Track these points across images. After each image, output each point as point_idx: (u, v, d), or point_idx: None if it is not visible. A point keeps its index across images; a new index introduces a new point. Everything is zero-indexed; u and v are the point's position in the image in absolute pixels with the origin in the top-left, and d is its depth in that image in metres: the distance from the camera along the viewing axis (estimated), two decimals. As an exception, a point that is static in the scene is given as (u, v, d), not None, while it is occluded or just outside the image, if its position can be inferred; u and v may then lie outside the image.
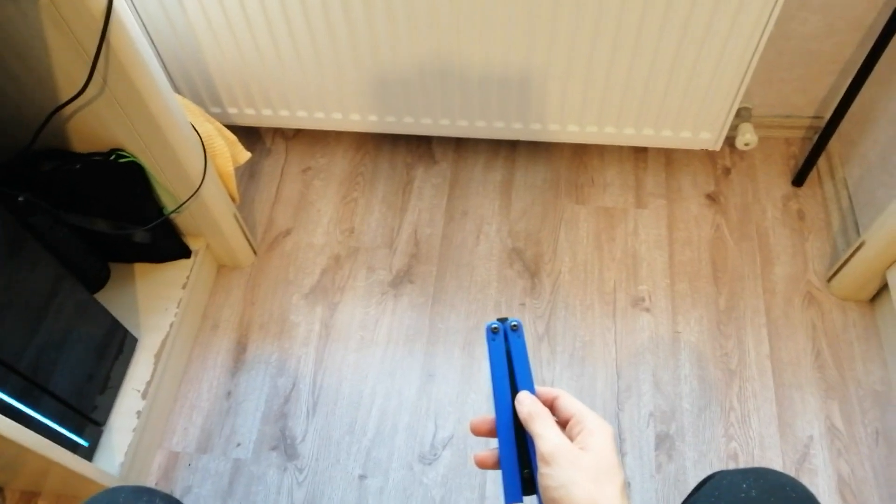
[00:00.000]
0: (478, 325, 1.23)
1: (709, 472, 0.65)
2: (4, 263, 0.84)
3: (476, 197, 1.38)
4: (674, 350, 1.19)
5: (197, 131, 1.08)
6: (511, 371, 0.50)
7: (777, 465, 1.07)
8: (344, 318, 1.25)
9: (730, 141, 1.38)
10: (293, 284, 1.30)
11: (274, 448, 1.13)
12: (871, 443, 1.08)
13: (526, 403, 0.48)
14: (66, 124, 0.99)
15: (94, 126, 0.99)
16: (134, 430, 1.06)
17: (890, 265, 1.09)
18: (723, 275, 1.26)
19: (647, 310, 1.23)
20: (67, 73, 0.89)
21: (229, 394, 1.19)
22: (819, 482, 1.05)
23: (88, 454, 1.01)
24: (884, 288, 1.14)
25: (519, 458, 0.48)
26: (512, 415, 0.49)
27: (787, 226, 1.31)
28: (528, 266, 1.29)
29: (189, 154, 1.05)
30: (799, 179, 1.35)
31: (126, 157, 1.03)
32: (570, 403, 0.48)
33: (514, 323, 0.51)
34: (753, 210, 1.33)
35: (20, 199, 0.98)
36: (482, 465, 0.50)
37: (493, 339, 0.51)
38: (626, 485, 1.07)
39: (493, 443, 0.50)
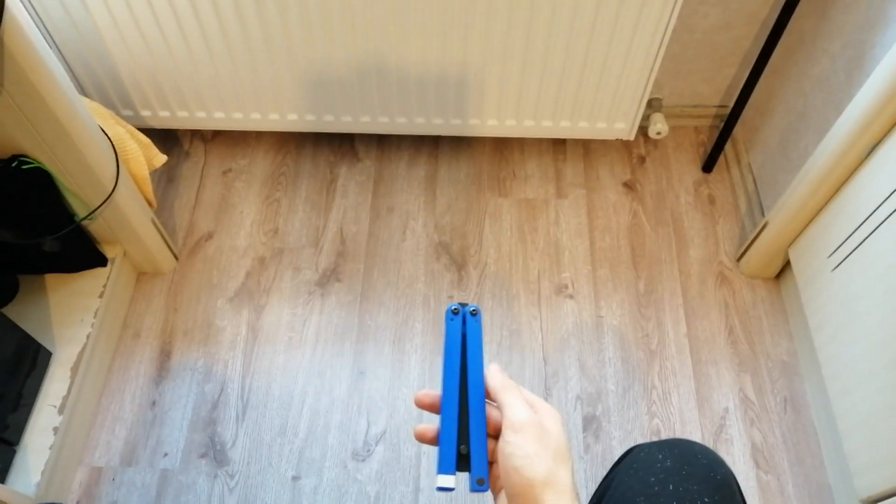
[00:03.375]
0: (406, 320, 1.24)
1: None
2: None
3: (401, 193, 1.39)
4: (598, 334, 1.23)
5: (107, 135, 1.04)
6: (464, 353, 0.52)
7: (696, 437, 1.13)
8: (271, 319, 1.24)
9: (643, 131, 1.44)
10: (217, 288, 1.27)
11: (203, 455, 1.11)
12: (781, 410, 1.14)
13: (497, 375, 0.50)
14: (-38, 130, 0.94)
15: (-6, 131, 0.94)
16: (51, 447, 1.02)
17: (791, 243, 1.16)
18: (641, 259, 1.31)
19: (571, 296, 1.27)
20: (-40, 75, 0.84)
21: (154, 403, 1.15)
22: (734, 450, 1.11)
23: (0, 477, 0.97)
24: (787, 265, 1.21)
25: (459, 435, 0.49)
26: (458, 392, 0.51)
27: (699, 210, 1.37)
28: (455, 259, 1.31)
29: (99, 158, 1.01)
30: (708, 166, 1.41)
31: (30, 163, 0.99)
32: (520, 387, 0.50)
33: (474, 308, 0.53)
34: (668, 196, 1.39)
35: (-86, 210, 0.92)
36: (421, 437, 0.50)
37: (452, 320, 0.53)
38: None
39: (429, 418, 0.51)
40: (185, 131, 1.46)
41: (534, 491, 0.44)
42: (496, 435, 0.48)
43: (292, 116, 1.30)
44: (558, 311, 1.25)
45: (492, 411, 0.50)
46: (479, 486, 0.48)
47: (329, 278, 1.28)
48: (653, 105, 1.37)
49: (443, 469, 0.48)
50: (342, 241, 1.33)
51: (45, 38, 1.09)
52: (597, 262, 1.31)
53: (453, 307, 0.53)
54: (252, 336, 1.22)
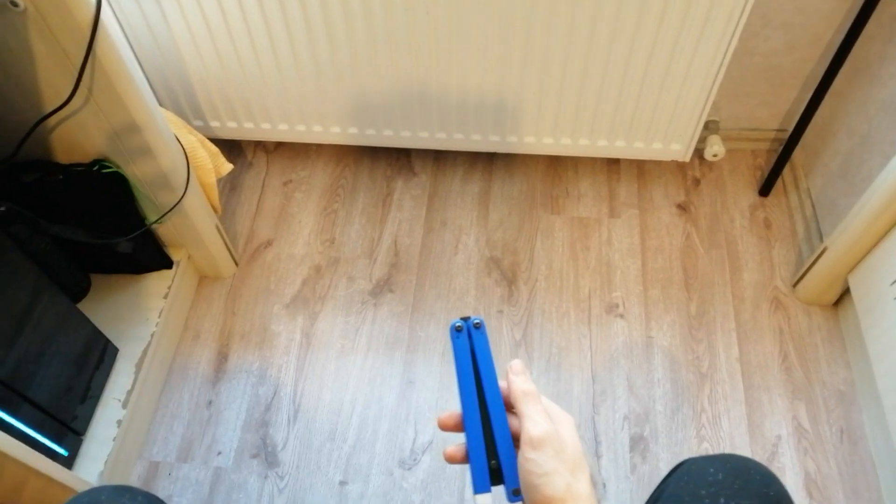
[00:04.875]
0: (457, 332, 1.25)
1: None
2: (-12, 271, 0.85)
3: (454, 208, 1.41)
4: (647, 354, 1.22)
5: (180, 143, 1.09)
6: (476, 367, 0.52)
7: (747, 464, 1.11)
8: (325, 327, 1.27)
9: (699, 153, 1.43)
10: (274, 294, 1.31)
11: (255, 456, 1.14)
12: (836, 441, 1.11)
13: (520, 380, 0.50)
14: (50, 135, 1.00)
15: (78, 136, 1.00)
16: (114, 439, 1.07)
17: (851, 270, 1.14)
18: (694, 281, 1.30)
19: (621, 316, 1.27)
20: (52, 83, 0.90)
21: (210, 403, 1.19)
22: (787, 480, 1.08)
23: (68, 463, 1.02)
24: (846, 292, 1.19)
25: (487, 450, 0.50)
26: (478, 408, 0.51)
27: (754, 234, 1.36)
28: (506, 274, 1.32)
29: (172, 166, 1.06)
30: (765, 189, 1.40)
31: (109, 167, 1.05)
32: (519, 399, 0.49)
33: (477, 321, 0.53)
34: (722, 219, 1.38)
35: (1, 209, 0.99)
36: (451, 459, 0.51)
37: (458, 338, 0.53)
38: (599, 483, 1.09)
39: (463, 438, 0.52)
40: (249, 142, 1.52)
41: None
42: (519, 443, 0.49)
43: (352, 130, 1.34)
44: (608, 329, 1.25)
45: (512, 420, 0.50)
46: (515, 496, 0.48)
47: (382, 289, 1.31)
48: (710, 127, 1.37)
49: (479, 489, 0.49)
50: (396, 253, 1.36)
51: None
52: (648, 282, 1.30)
53: (456, 324, 0.53)
54: (306, 342, 1.25)
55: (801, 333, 1.23)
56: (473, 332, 0.53)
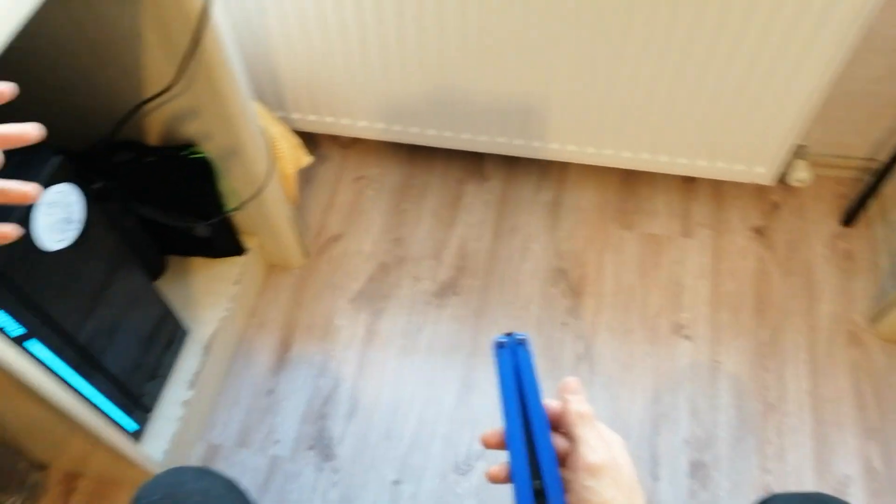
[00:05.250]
0: (519, 341, 1.24)
1: (743, 503, 0.65)
2: (77, 242, 0.87)
3: (524, 215, 1.41)
4: (713, 379, 1.19)
5: (266, 133, 1.11)
6: (520, 385, 0.50)
7: (814, 503, 1.07)
8: (387, 324, 1.27)
9: (782, 177, 1.39)
10: (340, 289, 1.32)
11: (311, 448, 1.15)
12: (913, 488, 1.07)
13: (576, 401, 0.48)
14: (147, 118, 1.03)
15: (172, 121, 1.03)
16: (179, 419, 1.09)
17: (940, 311, 1.09)
18: (766, 308, 1.26)
19: (688, 337, 1.24)
20: (157, 69, 0.93)
21: (271, 391, 1.21)
22: (857, 524, 1.04)
23: (135, 438, 1.04)
24: (932, 333, 1.14)
25: (530, 470, 0.48)
26: (522, 426, 0.49)
27: (833, 264, 1.31)
28: (572, 286, 1.30)
29: (257, 155, 1.08)
30: (849, 219, 1.35)
31: (198, 153, 1.07)
32: (574, 423, 0.48)
33: (521, 337, 0.51)
34: (801, 247, 1.34)
35: (95, 185, 1.02)
36: (494, 479, 0.49)
37: (501, 353, 0.51)
38: (661, 511, 1.07)
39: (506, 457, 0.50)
40: (325, 136, 1.54)
41: None
42: (564, 463, 0.48)
43: (431, 132, 1.35)
44: (674, 350, 1.22)
45: (557, 440, 0.49)
46: None
47: (447, 291, 1.31)
48: (797, 152, 1.33)
49: None
50: (462, 257, 1.36)
51: (219, 40, 1.19)
52: (718, 305, 1.27)
53: (500, 340, 0.51)
54: (368, 338, 1.26)
55: (879, 372, 1.18)
56: (517, 348, 0.51)
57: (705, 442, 1.13)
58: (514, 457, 0.48)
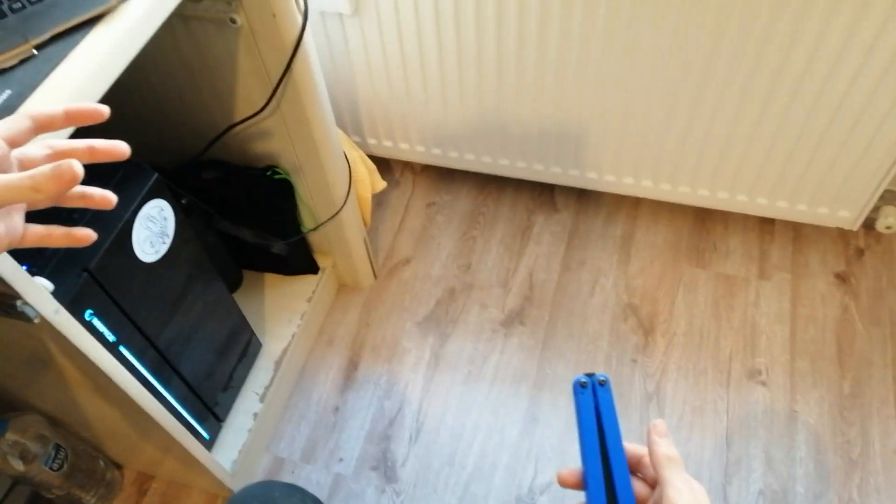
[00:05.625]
0: (585, 375, 1.23)
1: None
2: (167, 253, 0.91)
3: (594, 249, 1.39)
4: (789, 429, 1.14)
5: (346, 158, 1.14)
6: (600, 426, 0.50)
7: (897, 569, 1.01)
8: (454, 349, 1.28)
9: (867, 222, 1.34)
10: (408, 311, 1.34)
11: (374, 468, 1.16)
12: None
13: (663, 444, 0.47)
14: (234, 139, 1.08)
15: (259, 143, 1.07)
16: (249, 430, 1.12)
17: None
18: (849, 358, 1.21)
19: (764, 383, 1.19)
20: (248, 94, 0.97)
21: (337, 409, 1.23)
22: None
23: (208, 446, 1.07)
24: None
25: None
26: (601, 468, 0.49)
27: (923, 316, 1.25)
28: (643, 323, 1.28)
29: (337, 178, 1.11)
30: (940, 270, 1.28)
31: (280, 174, 1.11)
32: (660, 466, 0.47)
33: (603, 378, 0.51)
34: (888, 296, 1.28)
35: (183, 201, 1.07)
36: None
37: (582, 394, 0.51)
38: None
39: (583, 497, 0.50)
40: (398, 161, 1.57)
41: None
42: None
43: (504, 161, 1.36)
44: (748, 396, 1.18)
45: (636, 485, 0.48)
46: None
47: (513, 320, 1.31)
48: (885, 197, 1.28)
49: None
50: (530, 287, 1.35)
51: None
52: (797, 352, 1.22)
53: (581, 380, 0.51)
54: (434, 362, 1.27)
55: (972, 434, 1.11)
56: (598, 389, 0.51)
57: (781, 495, 1.08)
58: (592, 499, 0.48)
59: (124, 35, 0.63)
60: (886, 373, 1.19)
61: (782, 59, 1.01)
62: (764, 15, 0.96)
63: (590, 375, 0.51)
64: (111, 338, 0.81)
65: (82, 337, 0.69)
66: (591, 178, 1.33)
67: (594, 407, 0.50)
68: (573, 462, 1.15)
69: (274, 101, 0.96)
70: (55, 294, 0.65)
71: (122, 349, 0.85)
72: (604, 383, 0.51)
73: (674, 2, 0.99)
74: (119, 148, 0.49)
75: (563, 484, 0.50)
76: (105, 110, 0.48)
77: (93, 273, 0.76)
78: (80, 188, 0.47)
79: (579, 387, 0.51)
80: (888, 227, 1.26)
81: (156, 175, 0.84)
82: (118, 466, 1.18)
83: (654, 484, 0.48)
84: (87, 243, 0.49)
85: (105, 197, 0.48)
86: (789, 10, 0.95)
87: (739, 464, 1.11)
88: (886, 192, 1.27)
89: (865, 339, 1.23)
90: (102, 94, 0.61)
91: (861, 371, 1.19)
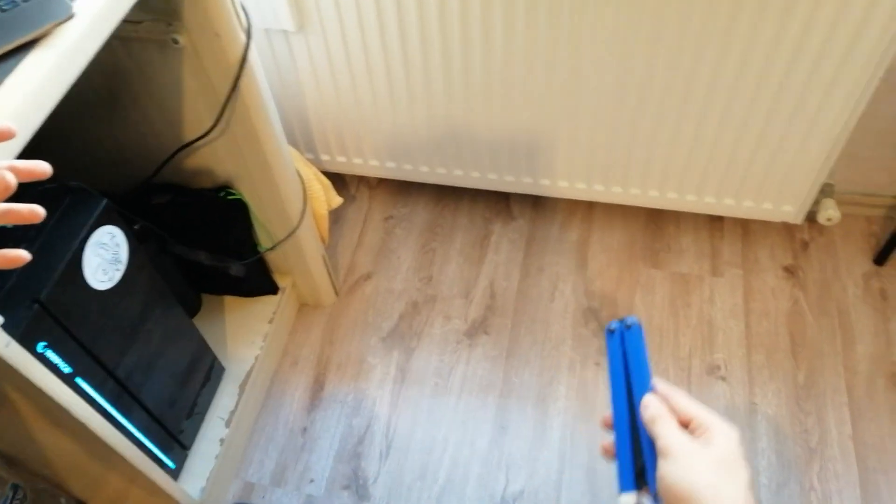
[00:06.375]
0: (551, 382, 1.24)
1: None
2: (121, 280, 0.89)
3: (552, 254, 1.41)
4: (750, 422, 1.17)
5: (300, 175, 1.14)
6: (627, 370, 0.52)
7: (859, 549, 1.04)
8: (419, 363, 1.28)
9: (809, 215, 1.39)
10: (371, 327, 1.33)
11: (346, 487, 1.14)
12: (962, 535, 1.04)
13: (650, 407, 0.49)
14: (185, 161, 1.06)
15: (210, 164, 1.06)
16: (216, 457, 1.09)
17: (982, 351, 1.07)
18: (801, 349, 1.25)
19: (723, 378, 1.22)
20: (196, 114, 0.96)
21: (305, 429, 1.21)
22: (905, 572, 1.01)
23: (174, 476, 1.05)
24: (974, 374, 1.12)
25: (633, 451, 0.50)
26: (627, 411, 0.51)
27: (868, 304, 1.30)
28: (603, 326, 1.30)
29: (291, 196, 1.11)
30: (881, 258, 1.34)
31: (234, 194, 1.10)
32: (688, 405, 0.49)
33: (629, 322, 0.53)
34: (833, 286, 1.33)
35: (136, 226, 1.05)
36: (605, 454, 0.52)
37: (610, 340, 0.53)
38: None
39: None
40: (354, 177, 1.57)
41: None
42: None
43: (458, 172, 1.37)
44: (709, 392, 1.21)
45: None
46: (658, 500, 0.47)
47: (477, 330, 1.31)
48: (824, 190, 1.33)
49: (623, 487, 0.49)
50: (492, 296, 1.36)
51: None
52: (752, 346, 1.26)
53: (611, 327, 0.53)
54: (400, 377, 1.26)
55: (921, 414, 1.16)
56: (626, 333, 0.53)
57: (743, 485, 1.10)
58: (617, 438, 0.50)
59: (61, 59, 0.61)
60: (837, 361, 1.23)
61: (717, 65, 1.05)
62: (697, 22, 1.00)
63: (620, 320, 0.53)
64: (67, 370, 0.78)
65: (36, 370, 0.67)
66: (545, 185, 1.35)
67: (622, 352, 0.52)
68: (543, 469, 1.16)
69: (223, 121, 0.95)
70: (5, 327, 0.63)
71: (79, 381, 0.83)
72: (629, 327, 0.53)
73: (611, 11, 1.01)
74: (40, 167, 0.48)
75: (604, 425, 0.53)
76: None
77: (44, 304, 0.74)
78: (5, 204, 0.47)
79: (608, 333, 0.53)
80: (829, 219, 1.31)
81: (105, 201, 0.82)
82: (81, 503, 1.14)
83: (686, 423, 0.49)
84: (19, 265, 0.48)
85: (32, 210, 0.47)
86: (721, 18, 0.99)
87: (704, 458, 1.14)
88: (825, 185, 1.32)
89: (816, 329, 1.27)
90: (42, 120, 0.60)
91: (814, 361, 1.23)
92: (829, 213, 1.32)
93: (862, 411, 1.17)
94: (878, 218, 1.41)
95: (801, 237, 1.41)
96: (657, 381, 0.51)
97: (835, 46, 0.99)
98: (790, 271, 1.36)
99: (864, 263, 1.36)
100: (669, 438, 0.47)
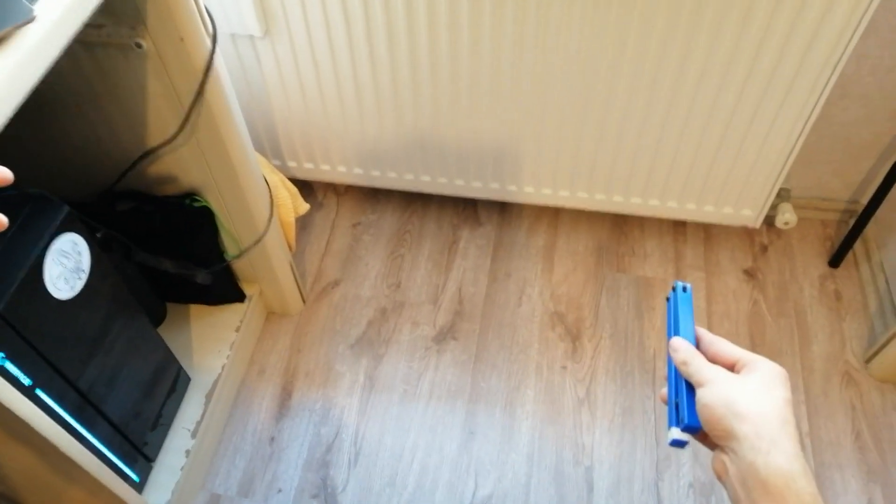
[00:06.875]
0: (518, 386, 1.25)
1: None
2: (83, 289, 0.88)
3: (519, 260, 1.42)
4: (713, 421, 1.20)
5: (267, 181, 1.13)
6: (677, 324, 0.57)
7: (819, 544, 1.07)
8: (388, 370, 1.27)
9: (768, 219, 1.43)
10: (339, 335, 1.33)
11: (315, 496, 1.14)
12: (915, 527, 1.07)
13: (679, 350, 0.53)
14: (149, 168, 1.05)
15: (175, 171, 1.04)
16: (182, 468, 1.08)
17: (931, 349, 1.11)
18: (761, 349, 1.28)
19: (687, 380, 1.25)
20: (160, 120, 0.95)
21: (273, 439, 1.20)
22: (862, 564, 1.04)
23: (138, 489, 1.03)
24: (924, 371, 1.16)
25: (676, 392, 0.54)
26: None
27: (824, 305, 1.34)
28: (570, 330, 1.32)
29: (258, 203, 1.10)
30: (835, 260, 1.38)
31: (199, 202, 1.09)
32: (732, 349, 0.53)
33: (682, 285, 0.59)
34: (791, 288, 1.36)
35: (98, 234, 1.03)
36: (663, 399, 0.55)
37: (668, 302, 0.59)
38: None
39: None
40: (321, 184, 1.56)
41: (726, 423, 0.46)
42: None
43: (426, 178, 1.37)
44: (673, 393, 1.23)
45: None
46: (684, 432, 0.51)
47: (445, 336, 1.32)
48: (781, 195, 1.37)
49: (669, 423, 0.53)
50: (460, 301, 1.37)
51: (221, 92, 1.21)
52: (715, 347, 1.29)
53: (668, 295, 0.59)
54: (369, 384, 1.26)
55: (875, 412, 1.20)
56: (674, 294, 0.58)
57: (709, 486, 1.13)
58: (668, 387, 0.55)
59: (21, 64, 0.60)
60: (795, 361, 1.27)
61: (678, 73, 1.08)
62: (659, 31, 1.02)
63: (674, 289, 0.59)
64: (26, 381, 0.77)
65: (-6, 383, 0.66)
66: (511, 191, 1.36)
67: (675, 311, 0.58)
68: (511, 472, 1.17)
69: (188, 127, 0.94)
70: (-38, 339, 0.61)
71: (40, 393, 0.81)
72: (674, 289, 0.59)
73: (576, 19, 1.03)
74: (1, 174, 0.47)
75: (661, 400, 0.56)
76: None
77: (2, 314, 0.72)
78: None
79: (667, 300, 0.60)
80: (786, 223, 1.35)
81: (66, 208, 0.81)
82: (38, 520, 1.11)
83: (731, 366, 0.52)
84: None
85: None
86: (681, 28, 1.01)
87: (669, 460, 1.16)
88: (782, 189, 1.36)
89: (775, 330, 1.31)
90: (2, 126, 0.58)
91: (773, 360, 1.26)
92: (787, 217, 1.36)
93: (818, 409, 1.20)
94: (832, 222, 1.46)
95: (760, 241, 1.45)
96: (701, 331, 0.55)
97: (790, 55, 1.03)
98: (750, 274, 1.39)
99: (820, 266, 1.40)
100: (703, 371, 0.50)
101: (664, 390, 0.55)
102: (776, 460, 0.43)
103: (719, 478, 0.48)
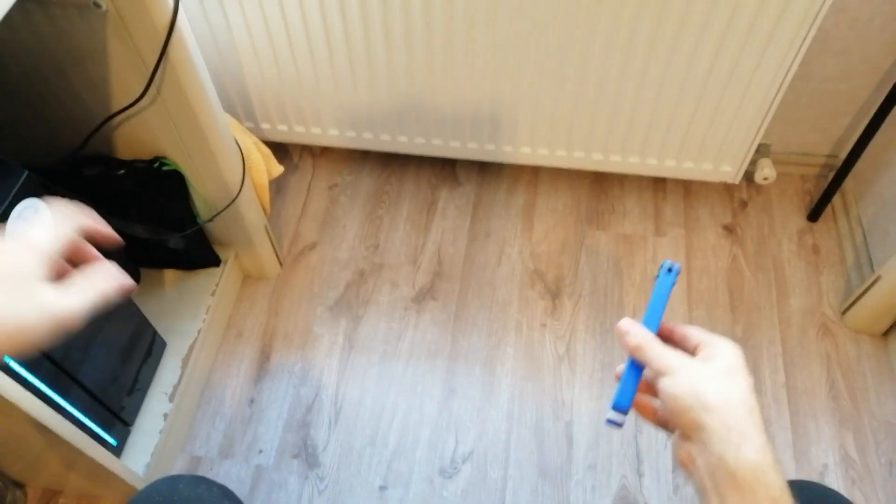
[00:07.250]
0: (498, 344, 1.25)
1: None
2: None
3: (498, 219, 1.42)
4: (690, 376, 1.21)
5: (238, 143, 1.11)
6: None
7: (792, 492, 1.09)
8: (367, 331, 1.27)
9: (748, 175, 1.42)
10: (318, 297, 1.32)
11: (295, 456, 1.14)
12: (885, 473, 1.10)
13: (630, 334, 0.51)
14: (115, 131, 1.02)
15: (142, 134, 1.02)
16: (160, 432, 1.08)
17: (905, 300, 1.12)
18: (739, 304, 1.29)
19: (665, 335, 1.25)
20: (124, 82, 0.92)
21: (252, 401, 1.20)
22: (833, 510, 1.07)
23: (116, 453, 1.03)
24: (897, 322, 1.17)
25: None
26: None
27: (802, 259, 1.34)
28: (549, 288, 1.32)
29: (229, 165, 1.08)
30: (814, 215, 1.38)
31: (168, 165, 1.06)
32: (695, 332, 0.51)
33: (669, 266, 0.55)
34: (769, 243, 1.37)
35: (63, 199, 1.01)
36: (616, 378, 0.53)
37: (655, 280, 0.56)
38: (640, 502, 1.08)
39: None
40: (296, 146, 1.54)
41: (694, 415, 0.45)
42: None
43: (402, 139, 1.35)
44: (651, 348, 1.24)
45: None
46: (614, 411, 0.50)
47: (425, 296, 1.32)
48: (760, 150, 1.36)
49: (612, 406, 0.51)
50: (439, 262, 1.36)
51: (189, 51, 1.18)
52: (693, 303, 1.29)
53: (656, 273, 0.56)
54: (348, 345, 1.26)
55: (850, 362, 1.21)
56: (661, 276, 0.55)
57: (684, 436, 1.14)
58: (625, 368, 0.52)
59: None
60: (773, 314, 1.27)
61: (656, 28, 1.05)
62: (638, -20, 1.00)
63: (669, 268, 0.55)
64: (-8, 350, 0.76)
65: (-43, 351, 0.65)
66: (490, 150, 1.35)
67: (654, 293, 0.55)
68: (492, 429, 1.18)
69: (153, 89, 0.92)
70: (-81, 307, 0.60)
71: (11, 363, 0.80)
72: (661, 268, 0.56)
73: (553, -30, 1.01)
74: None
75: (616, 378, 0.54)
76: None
77: (-37, 282, 0.71)
78: None
79: (655, 278, 0.56)
80: (765, 178, 1.34)
81: (26, 172, 0.79)
82: (20, 486, 1.11)
83: (693, 350, 0.50)
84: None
85: None
86: (661, -25, 0.99)
87: (647, 412, 1.17)
88: (761, 145, 1.35)
89: (753, 284, 1.32)
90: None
91: (751, 315, 1.28)
92: (766, 172, 1.35)
93: (794, 360, 1.22)
94: (811, 176, 1.46)
95: (739, 196, 1.44)
96: (665, 320, 0.53)
97: (769, 8, 1.01)
98: (729, 229, 1.39)
99: (799, 220, 1.40)
100: (663, 357, 0.48)
101: (620, 367, 0.53)
102: (746, 454, 0.43)
103: (684, 467, 0.47)
